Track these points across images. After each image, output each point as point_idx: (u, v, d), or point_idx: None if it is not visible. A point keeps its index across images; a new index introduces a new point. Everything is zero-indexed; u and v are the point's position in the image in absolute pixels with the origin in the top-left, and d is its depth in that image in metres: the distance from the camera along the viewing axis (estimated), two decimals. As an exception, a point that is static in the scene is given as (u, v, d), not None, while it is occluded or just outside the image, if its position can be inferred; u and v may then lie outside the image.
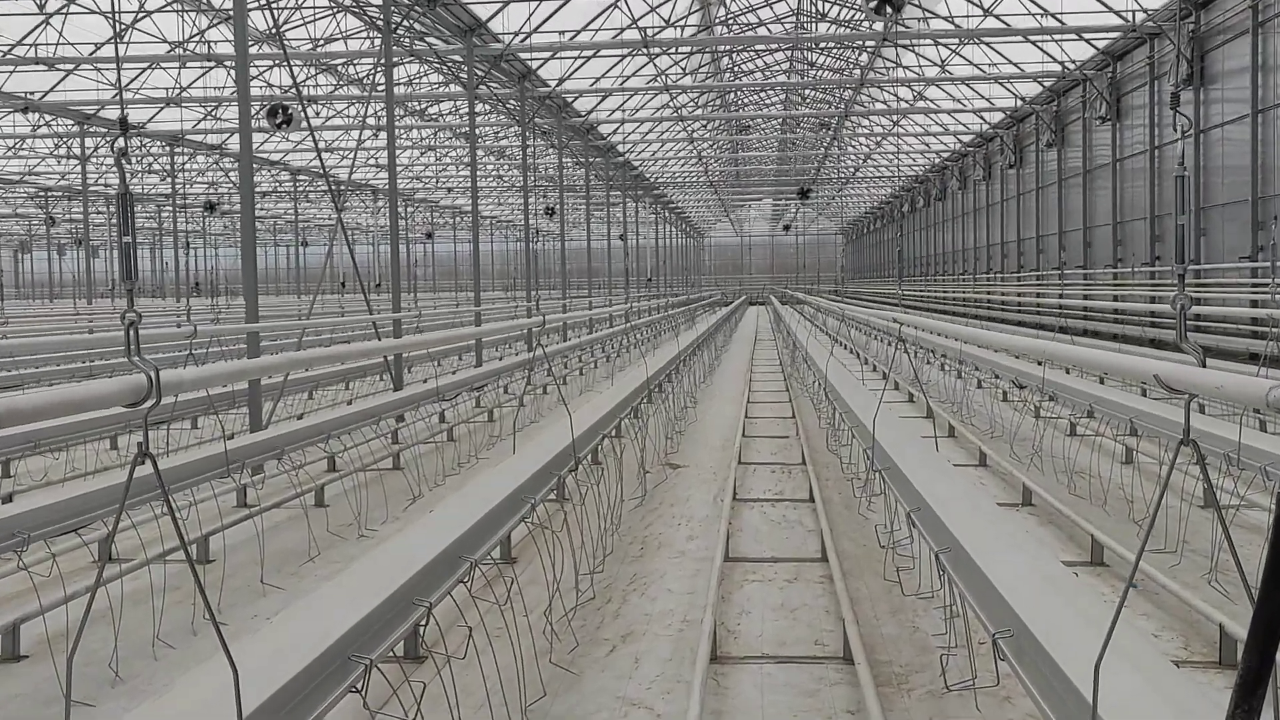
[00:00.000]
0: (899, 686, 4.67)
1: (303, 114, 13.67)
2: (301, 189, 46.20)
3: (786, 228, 70.57)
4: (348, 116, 33.20)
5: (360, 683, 3.42)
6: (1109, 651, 2.51)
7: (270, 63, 25.83)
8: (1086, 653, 2.82)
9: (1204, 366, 2.85)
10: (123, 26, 22.96)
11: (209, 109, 30.84)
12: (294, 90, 24.14)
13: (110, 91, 26.46)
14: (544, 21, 23.05)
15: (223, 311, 27.94)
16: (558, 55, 25.18)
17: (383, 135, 29.85)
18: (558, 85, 26.45)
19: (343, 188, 34.31)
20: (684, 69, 32.33)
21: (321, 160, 13.18)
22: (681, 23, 25.98)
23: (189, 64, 25.73)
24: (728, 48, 33.81)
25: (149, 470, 2.62)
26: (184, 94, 28.05)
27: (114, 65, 26.04)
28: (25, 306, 41.49)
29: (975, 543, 4.34)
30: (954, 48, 27.94)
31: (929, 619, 5.50)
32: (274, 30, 20.55)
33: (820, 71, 37.33)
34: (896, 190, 55.94)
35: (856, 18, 29.05)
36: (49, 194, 45.86)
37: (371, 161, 40.45)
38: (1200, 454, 2.53)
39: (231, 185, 43.79)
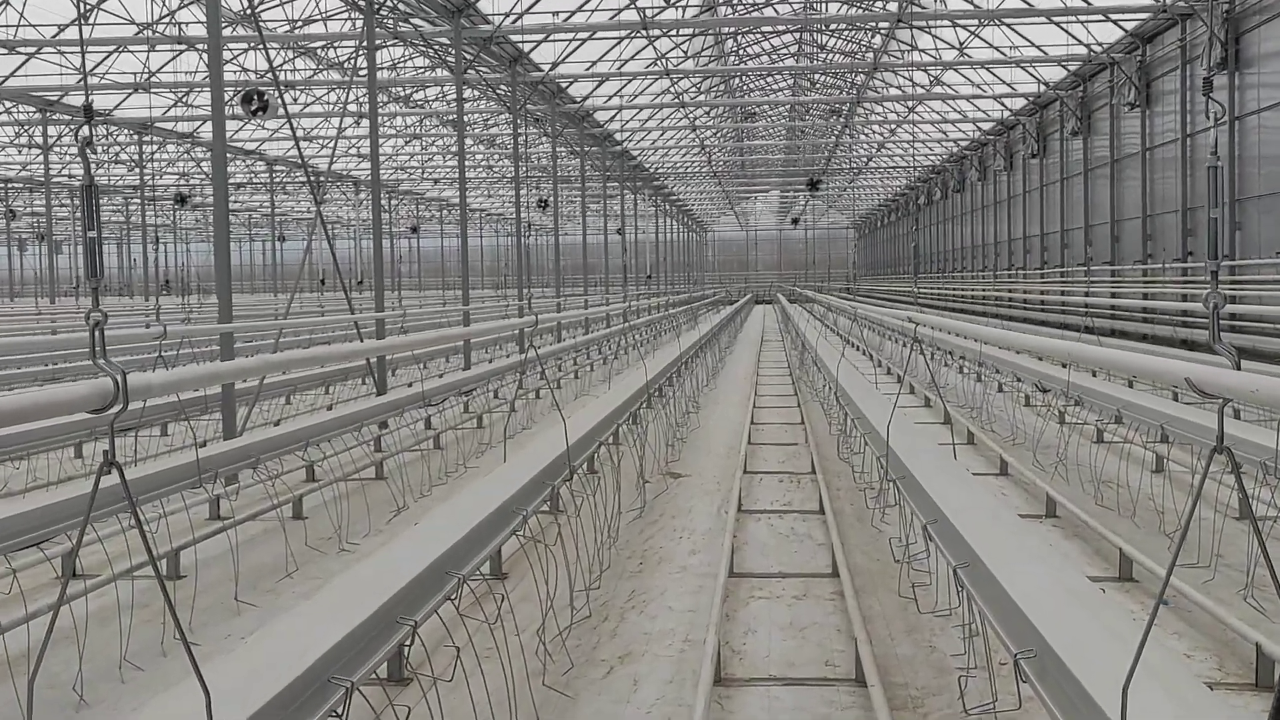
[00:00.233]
0: (915, 710, 4.67)
1: (280, 100, 13.66)
2: (278, 180, 46.22)
3: (795, 221, 70.47)
4: (328, 103, 33.23)
5: (341, 707, 3.42)
6: (1138, 672, 2.51)
7: (245, 45, 25.85)
8: (1114, 674, 2.83)
9: (1239, 369, 2.85)
10: (88, 7, 22.98)
11: (179, 95, 30.85)
12: (270, 75, 24.15)
13: (74, 76, 26.46)
14: (536, 1, 23.08)
15: (194, 311, 27.94)
16: (551, 38, 25.21)
17: (365, 123, 29.91)
18: (551, 69, 26.47)
19: (322, 179, 34.34)
20: (685, 52, 32.37)
21: (300, 149, 13.19)
22: (683, 3, 26.00)
23: (158, 47, 25.73)
24: (732, 29, 33.85)
25: (115, 480, 2.62)
26: (153, 79, 28.05)
27: (78, 48, 26.07)
28: (-16, 305, 41.51)
29: (996, 557, 4.34)
30: (973, 29, 27.95)
31: (947, 638, 5.50)
32: (249, 11, 20.57)
33: (831, 55, 37.36)
34: (912, 181, 55.99)
35: (869, -2, 29.12)
36: (9, 185, 45.87)
37: (353, 151, 40.43)
38: (1235, 462, 2.54)
39: (204, 176, 43.81)
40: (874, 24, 30.63)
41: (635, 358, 19.55)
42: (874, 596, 6.25)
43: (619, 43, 28.49)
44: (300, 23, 25.33)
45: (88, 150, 2.83)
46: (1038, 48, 28.17)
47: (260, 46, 18.01)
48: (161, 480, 7.12)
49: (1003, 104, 35.20)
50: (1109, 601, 4.38)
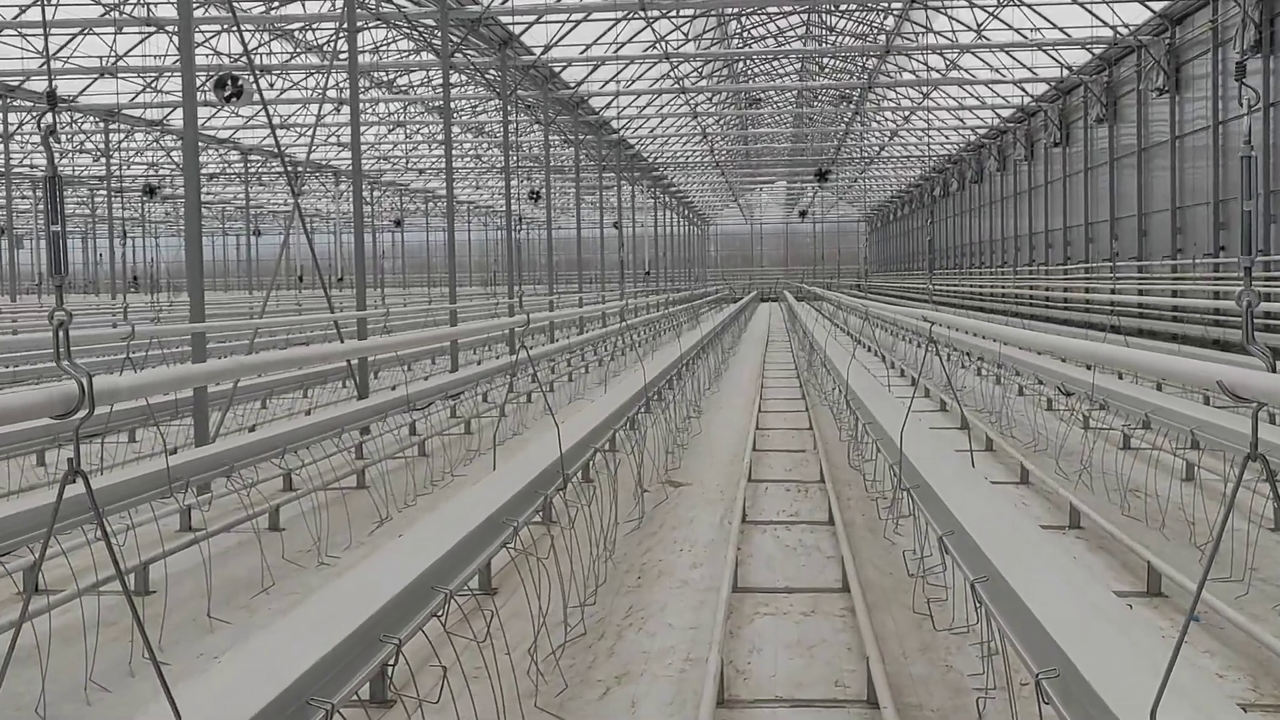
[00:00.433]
0: (930, 733, 4.67)
1: (255, 85, 13.66)
2: (253, 171, 46.22)
3: (803, 214, 70.64)
4: (306, 88, 33.21)
5: (320, 730, 3.42)
6: (1167, 694, 2.51)
7: (218, 27, 25.85)
8: (1142, 695, 2.83)
9: (1274, 371, 2.86)
10: (51, -13, 22.96)
11: (148, 80, 30.84)
12: (245, 58, 24.16)
13: (36, 60, 26.45)
14: (528, -19, 23.10)
15: (164, 310, 27.92)
16: (543, 19, 25.21)
17: (345, 110, 29.92)
18: (543, 53, 26.48)
19: (300, 169, 34.30)
20: (686, 35, 32.38)
21: (276, 138, 13.18)
22: (683, -18, 26.02)
23: (126, 29, 25.72)
24: (736, 10, 33.83)
25: (81, 489, 2.62)
26: (120, 63, 28.05)
27: (40, 30, 26.05)
28: (-60, 304, 41.46)
29: (1016, 571, 4.34)
30: (992, 10, 27.99)
31: (964, 657, 5.50)
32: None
33: (840, 37, 37.38)
34: (927, 172, 56.04)
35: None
36: (-33, 176, 45.85)
37: (333, 139, 40.47)
38: (1270, 469, 2.54)
39: (174, 166, 43.81)
40: (886, 4, 30.65)
41: (633, 359, 19.56)
42: (887, 613, 6.26)
43: (616, 24, 28.52)
44: (277, 3, 25.35)
45: (51, 139, 2.83)
46: (1060, 29, 28.20)
47: (234, 28, 18.04)
48: (129, 490, 7.11)
49: (1023, 89, 35.23)
50: (1136, 618, 4.38)
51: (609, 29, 28.72)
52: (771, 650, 5.70)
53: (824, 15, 34.96)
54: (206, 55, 26.79)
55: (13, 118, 31.48)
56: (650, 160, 50.09)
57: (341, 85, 29.19)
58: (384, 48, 29.88)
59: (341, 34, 15.08)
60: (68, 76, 28.57)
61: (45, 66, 19.21)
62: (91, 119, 34.92)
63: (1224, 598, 6.03)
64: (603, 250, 38.25)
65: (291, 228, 25.04)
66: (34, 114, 31.48)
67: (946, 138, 47.01)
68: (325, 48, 28.51)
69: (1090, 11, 26.59)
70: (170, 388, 4.63)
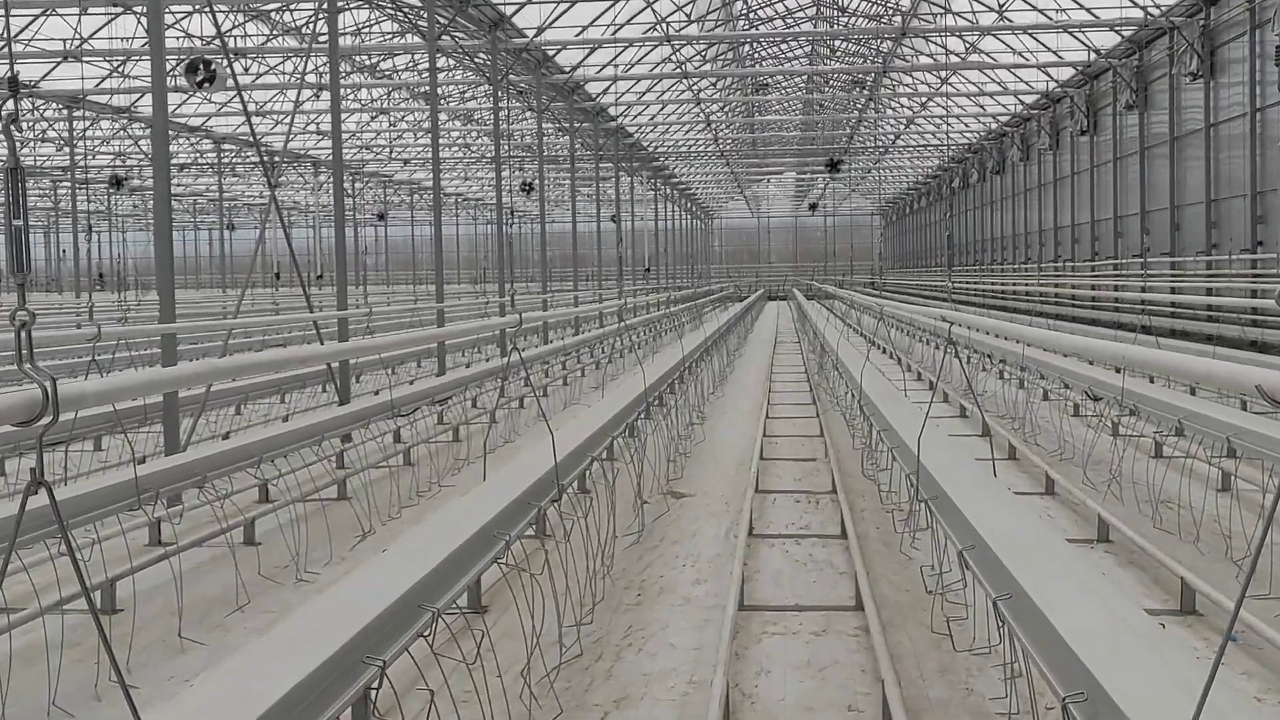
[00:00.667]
0: (950, 761, 4.67)
1: (229, 70, 13.66)
2: (227, 161, 46.23)
3: (813, 207, 70.58)
4: (283, 73, 33.20)
5: (299, 758, 3.42)
6: (1203, 718, 2.51)
7: (189, 8, 25.84)
8: (1175, 720, 2.83)
9: (1316, 375, 2.86)
10: (11, -35, 22.99)
11: (115, 64, 30.84)
12: (218, 41, 24.15)
13: (-4, 43, 26.46)
14: (520, -41, 23.11)
15: (132, 309, 27.95)
16: (536, -1, 25.24)
17: (325, 96, 29.93)
18: (537, 35, 26.49)
19: (277, 159, 34.34)
20: (689, 15, 32.38)
21: (251, 126, 13.19)
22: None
23: (91, 10, 25.74)
24: (741, -10, 33.88)
25: (44, 501, 2.62)
26: (85, 46, 28.07)
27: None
28: (-107, 303, 41.48)
29: (1041, 587, 4.35)
30: (1014, -10, 28.03)
31: (985, 679, 5.50)
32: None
33: (853, 18, 37.40)
34: (945, 162, 56.05)
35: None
36: (-78, 167, 45.81)
37: (312, 128, 40.47)
38: (1311, 480, 2.54)
39: (143, 156, 43.80)
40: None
41: (632, 362, 19.56)
42: (903, 632, 6.26)
43: (614, 4, 28.52)
44: (252, -18, 25.36)
45: (12, 128, 2.83)
46: (1087, 10, 28.21)
47: (207, 9, 18.02)
48: (95, 501, 7.11)
49: (1048, 74, 35.23)
50: (1169, 638, 4.39)
51: (606, 9, 28.70)
52: (780, 672, 5.70)
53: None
54: (177, 38, 26.77)
55: (-30, 105, 31.47)
56: (650, 150, 50.10)
57: (321, 70, 29.18)
58: (366, 29, 29.90)
59: (321, 15, 15.09)
60: (29, 60, 28.59)
61: (6, 50, 19.21)
62: (54, 106, 34.93)
63: (1263, 616, 6.03)
64: (600, 246, 38.23)
65: (268, 222, 25.09)
66: (-7, 101, 31.43)
67: (966, 126, 47.00)
68: (304, 30, 28.52)
69: (1119, -10, 26.62)
70: (139, 393, 4.62)
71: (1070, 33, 30.52)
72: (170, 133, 11.77)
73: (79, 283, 42.70)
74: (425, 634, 4.60)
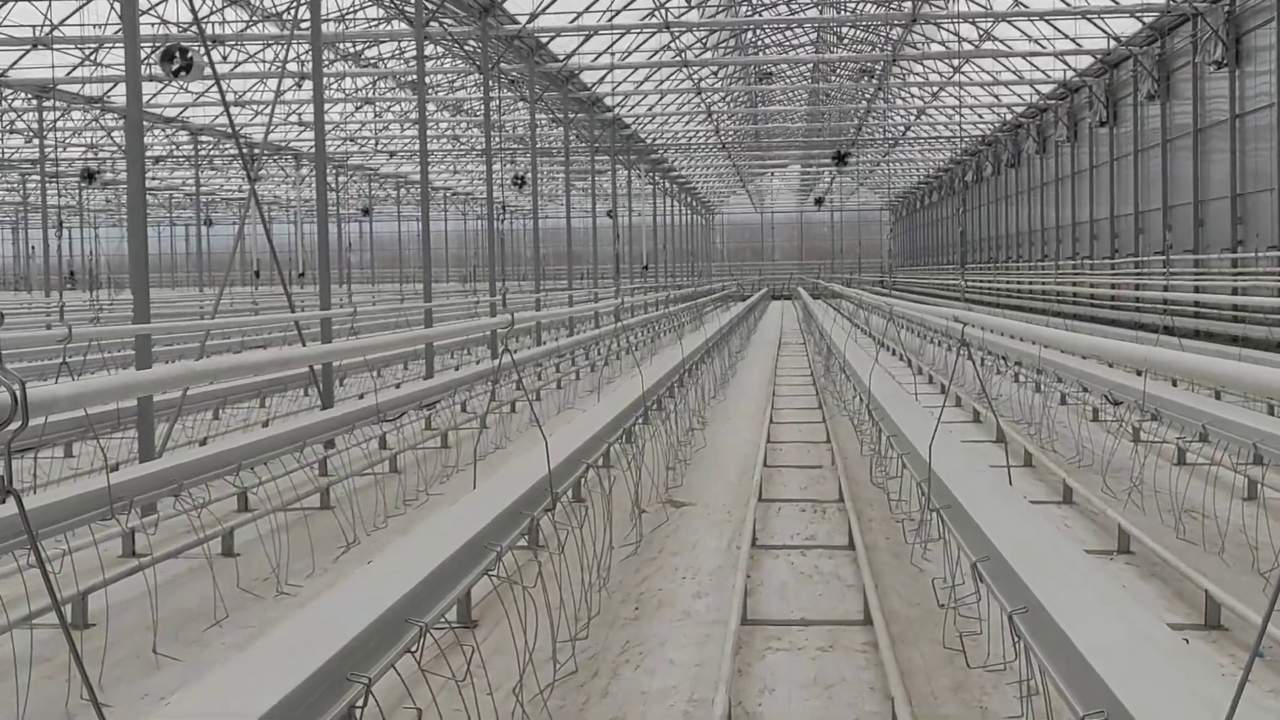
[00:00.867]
0: (963, 783, 4.67)
1: (206, 58, 13.67)
2: (205, 153, 46.24)
3: (819, 202, 70.62)
4: (263, 61, 33.22)
5: (280, 780, 3.42)
6: (1228, 738, 2.52)
7: (165, -7, 25.84)
8: (1199, 740, 2.83)
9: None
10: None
11: (87, 52, 30.85)
12: (195, 28, 24.16)
13: (-38, 30, 26.47)
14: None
15: (105, 309, 27.93)
16: (529, -16, 25.27)
17: (307, 85, 29.93)
18: (529, 21, 26.52)
19: (257, 152, 34.33)
20: (689, 1, 32.42)
21: (230, 117, 13.20)
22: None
23: (62, -5, 25.72)
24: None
25: (13, 510, 2.62)
26: (56, 33, 28.06)
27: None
28: None
29: (1059, 601, 4.35)
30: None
31: (1000, 697, 5.51)
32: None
33: (861, 4, 37.44)
34: (958, 155, 56.12)
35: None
36: (-116, 160, 45.89)
37: (294, 118, 40.48)
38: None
39: (116, 148, 43.81)
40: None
41: (629, 364, 19.57)
42: (914, 647, 6.26)
43: (610, -11, 28.56)
44: (231, -34, 25.37)
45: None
46: (1107, -5, 28.25)
47: (183, -6, 18.00)
48: (66, 510, 7.10)
49: (1065, 62, 35.28)
50: (1193, 653, 4.39)
51: (603, -6, 28.77)
52: (785, 690, 5.70)
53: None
54: (152, 24, 26.76)
55: (-65, 94, 31.50)
56: (649, 142, 50.14)
57: (303, 57, 29.19)
58: (350, 16, 29.92)
59: (303, 1, 15.09)
60: (-3, 48, 28.58)
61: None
62: (23, 95, 34.90)
63: (1291, 631, 6.04)
64: (595, 242, 38.31)
65: (247, 217, 25.02)
66: (-41, 90, 31.47)
67: (980, 117, 47.07)
68: (285, 15, 28.53)
69: (1140, -25, 26.66)
70: (112, 397, 4.62)
71: (1089, 19, 30.54)
72: (145, 124, 11.77)
73: (49, 281, 42.66)
74: (412, 650, 4.60)
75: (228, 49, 30.97)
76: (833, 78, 45.37)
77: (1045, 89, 38.88)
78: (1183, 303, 25.82)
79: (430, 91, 38.00)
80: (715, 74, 43.22)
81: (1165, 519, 9.00)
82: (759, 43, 43.35)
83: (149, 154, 43.08)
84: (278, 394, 16.71)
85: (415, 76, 21.00)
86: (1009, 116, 44.92)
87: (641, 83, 39.44)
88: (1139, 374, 12.72)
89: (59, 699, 5.57)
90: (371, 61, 35.29)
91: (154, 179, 54.40)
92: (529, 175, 30.84)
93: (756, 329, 38.18)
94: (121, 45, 10.13)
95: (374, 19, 30.14)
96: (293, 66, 29.64)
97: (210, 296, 31.89)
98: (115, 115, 37.88)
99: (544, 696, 5.50)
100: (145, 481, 8.09)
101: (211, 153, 46.90)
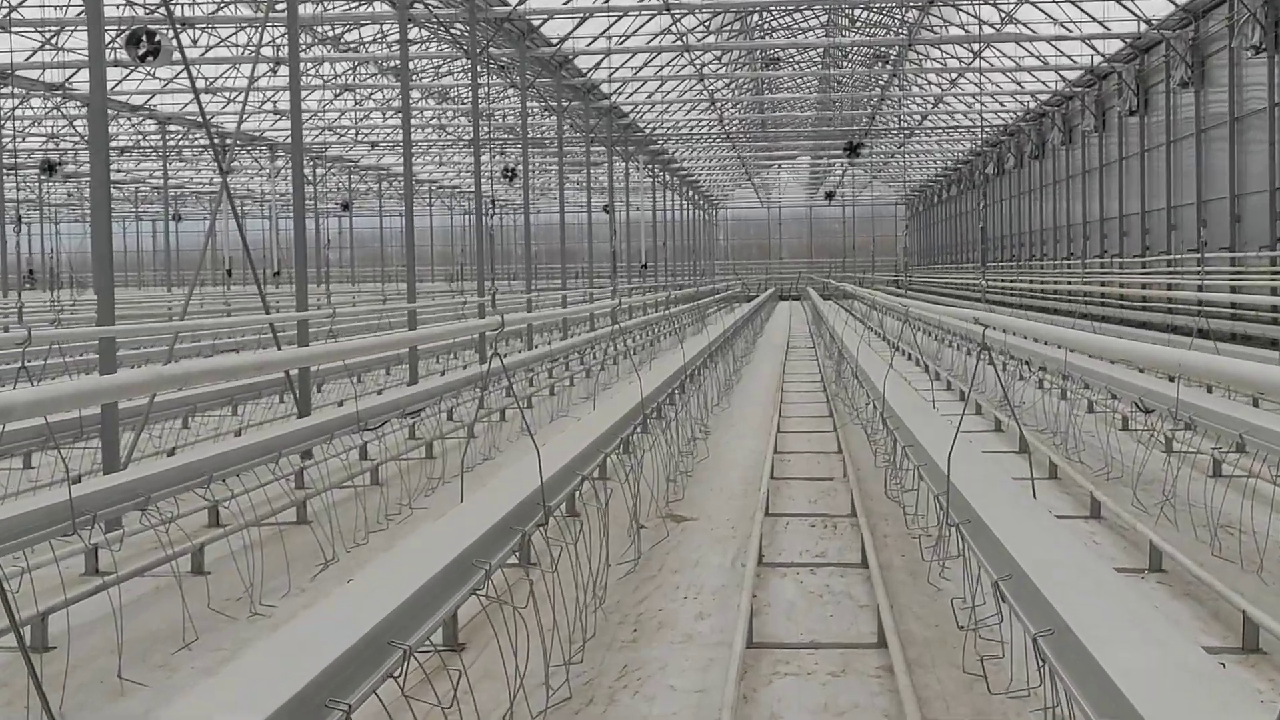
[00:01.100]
0: (984, 817, 4.67)
1: (175, 42, 13.67)
2: (173, 144, 46.24)
3: (829, 196, 70.76)
4: (236, 46, 33.24)
5: (253, 814, 3.42)
6: (1267, 769, 2.52)
7: (131, -27, 25.87)
8: (1237, 771, 2.83)
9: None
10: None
11: (47, 35, 30.85)
12: (163, 9, 24.18)
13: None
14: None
15: (67, 310, 27.91)
16: (521, -37, 25.28)
17: (283, 71, 29.93)
18: (520, 3, 26.52)
19: (229, 142, 34.34)
20: (691, -19, 32.42)
21: (200, 105, 13.20)
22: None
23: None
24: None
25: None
26: (14, 15, 28.06)
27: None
28: None
29: (1086, 622, 4.35)
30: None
31: (1024, 725, 5.50)
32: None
33: (875, -15, 37.48)
34: (978, 146, 56.16)
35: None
36: None
37: (268, 107, 40.46)
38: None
39: (79, 138, 43.81)
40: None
41: (627, 369, 19.56)
42: (931, 672, 6.26)
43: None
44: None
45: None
46: (1137, -24, 28.27)
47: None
48: (25, 525, 7.09)
49: (1093, 47, 35.29)
50: (1230, 678, 4.38)
51: (599, -26, 28.78)
52: (793, 718, 5.70)
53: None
54: (117, 6, 26.79)
55: (-115, 80, 31.48)
56: (648, 132, 50.16)
57: (279, 42, 29.20)
58: (330, -3, 29.94)
59: (279, -19, 15.10)
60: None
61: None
62: (-21, 82, 34.91)
63: (1334, 654, 6.04)
64: (591, 239, 38.32)
65: (219, 212, 25.10)
66: (-89, 76, 31.47)
67: (1001, 105, 47.08)
68: (259, -3, 28.54)
69: (1172, -46, 26.68)
70: (74, 404, 4.62)
71: (1118, 1, 30.56)
72: (110, 112, 11.76)
73: (6, 281, 42.61)
74: (395, 674, 4.59)
75: (198, 32, 31.00)
76: (844, 63, 45.38)
77: (1071, 75, 38.90)
78: (1218, 303, 25.81)
79: (414, 78, 38.04)
80: (719, 59, 43.25)
81: (1200, 535, 9.00)
82: (765, 25, 43.38)
83: (114, 144, 43.10)
84: (251, 401, 16.71)
85: (398, 61, 21.03)
86: (1032, 105, 44.95)
87: (640, 68, 39.44)
88: (1172, 380, 12.73)
89: (17, 727, 5.57)
90: (352, 45, 35.32)
91: (119, 171, 54.40)
92: (520, 167, 30.85)
93: (763, 332, 38.19)
94: (84, 28, 10.13)
95: (354, 1, 30.15)
96: (267, 51, 29.63)
97: (179, 297, 31.91)
98: (78, 103, 37.87)
99: (536, 725, 5.49)
100: (109, 494, 8.09)
101: (181, 143, 46.87)
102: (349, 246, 69.46)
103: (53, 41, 31.32)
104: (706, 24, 38.55)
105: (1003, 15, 34.36)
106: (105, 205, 10.37)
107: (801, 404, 18.33)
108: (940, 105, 49.99)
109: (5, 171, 38.45)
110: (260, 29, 22.27)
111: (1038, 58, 38.33)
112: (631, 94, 42.74)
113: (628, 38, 34.77)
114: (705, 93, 44.64)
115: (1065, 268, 42.31)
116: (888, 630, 6.56)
